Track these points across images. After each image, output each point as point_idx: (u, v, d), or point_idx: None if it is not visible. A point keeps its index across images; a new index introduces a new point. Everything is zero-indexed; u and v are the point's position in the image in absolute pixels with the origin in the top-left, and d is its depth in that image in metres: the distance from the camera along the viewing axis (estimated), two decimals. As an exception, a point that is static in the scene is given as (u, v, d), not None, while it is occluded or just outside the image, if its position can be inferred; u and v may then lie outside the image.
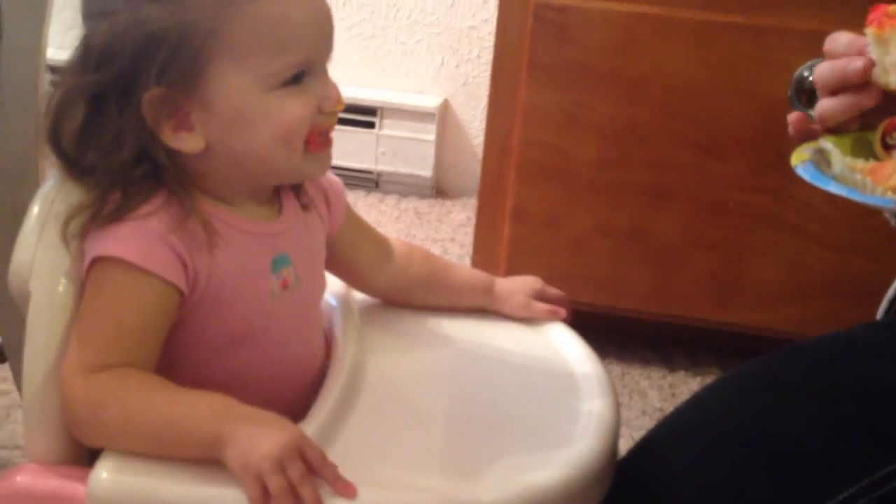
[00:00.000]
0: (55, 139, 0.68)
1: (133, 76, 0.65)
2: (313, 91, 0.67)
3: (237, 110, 0.66)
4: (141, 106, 0.65)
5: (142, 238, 0.65)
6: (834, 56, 0.70)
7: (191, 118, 0.66)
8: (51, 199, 0.69)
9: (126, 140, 0.66)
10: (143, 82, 0.65)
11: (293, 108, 0.66)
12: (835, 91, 0.69)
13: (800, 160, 0.67)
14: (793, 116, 0.72)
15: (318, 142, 0.68)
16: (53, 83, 0.70)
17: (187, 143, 0.67)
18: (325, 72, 0.69)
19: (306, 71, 0.67)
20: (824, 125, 0.70)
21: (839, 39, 0.70)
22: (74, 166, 0.68)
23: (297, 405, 0.72)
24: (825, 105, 0.69)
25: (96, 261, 0.65)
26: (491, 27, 2.15)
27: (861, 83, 0.67)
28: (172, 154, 0.67)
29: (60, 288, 0.67)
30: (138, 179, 0.67)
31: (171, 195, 0.67)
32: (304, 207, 0.76)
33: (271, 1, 0.65)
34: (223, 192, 0.70)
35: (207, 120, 0.66)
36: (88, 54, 0.66)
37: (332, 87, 0.69)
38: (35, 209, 0.70)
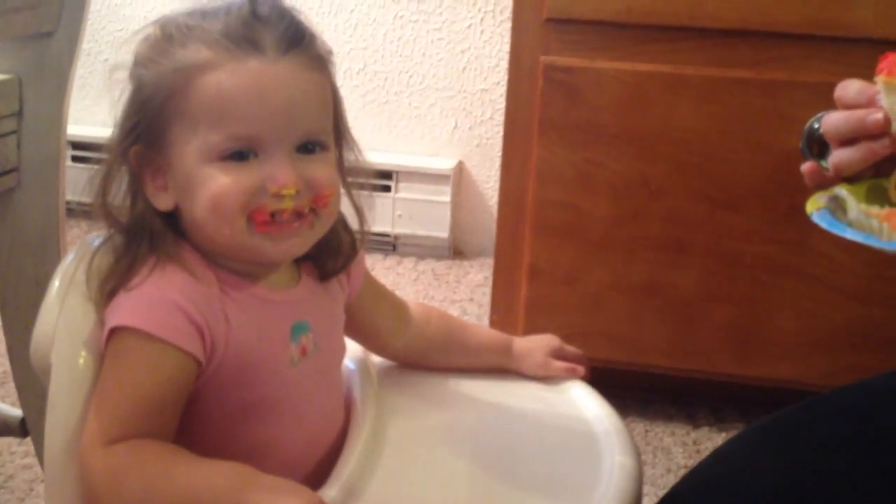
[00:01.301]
0: (104, 201, 0.70)
1: (125, 132, 0.69)
2: (260, 170, 0.66)
3: (185, 176, 0.67)
4: (129, 160, 0.69)
5: (158, 307, 0.65)
6: (844, 103, 0.69)
7: (167, 177, 0.69)
8: (72, 273, 0.70)
9: (129, 197, 0.69)
10: (130, 138, 0.69)
11: (221, 182, 0.66)
12: (848, 141, 0.68)
13: (815, 208, 0.67)
14: (806, 167, 0.72)
15: (265, 222, 0.67)
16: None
17: (161, 201, 0.69)
18: (284, 152, 0.67)
19: (254, 150, 0.66)
20: (839, 174, 0.69)
21: (850, 87, 0.69)
22: (110, 220, 0.70)
23: (318, 470, 0.72)
24: (842, 155, 0.68)
25: (114, 331, 0.66)
26: (502, 89, 2.18)
27: (878, 134, 0.67)
28: (165, 214, 0.69)
29: (81, 360, 0.68)
30: (158, 243, 0.68)
31: (184, 262, 0.68)
32: (323, 276, 0.76)
33: (219, 74, 0.66)
34: (220, 258, 0.70)
35: (173, 181, 0.69)
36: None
37: (284, 170, 0.66)
38: (56, 282, 0.71)
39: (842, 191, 0.68)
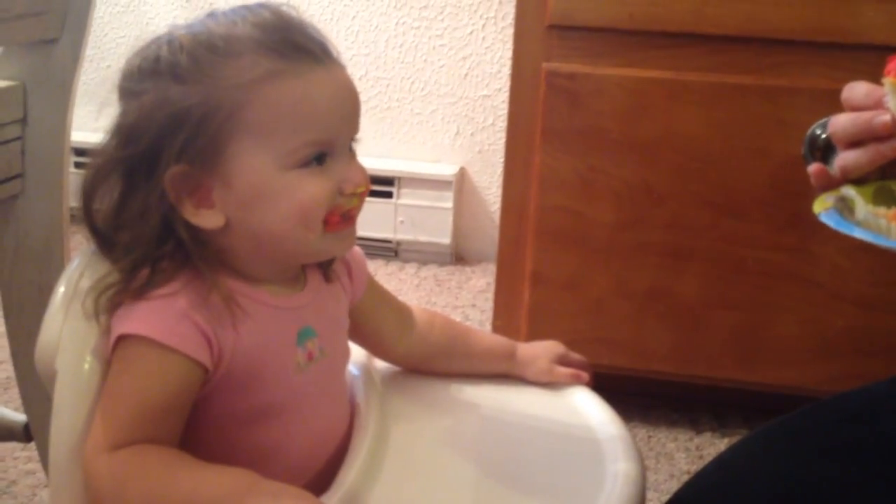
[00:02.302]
0: (87, 215, 0.69)
1: (157, 153, 0.66)
2: (334, 172, 0.67)
3: (255, 188, 0.66)
4: (164, 182, 0.66)
5: (166, 316, 0.65)
6: (852, 105, 0.70)
7: (212, 195, 0.67)
8: (76, 279, 0.70)
9: (151, 216, 0.67)
10: (165, 159, 0.66)
11: (310, 188, 0.66)
12: (855, 143, 0.69)
13: (823, 208, 0.67)
14: (813, 168, 0.72)
15: (337, 222, 0.68)
16: (86, 163, 0.70)
17: (208, 219, 0.67)
18: (348, 153, 0.69)
19: (328, 152, 0.67)
20: (846, 176, 0.70)
21: (857, 89, 0.70)
22: (107, 243, 0.69)
23: (321, 475, 0.72)
24: (848, 157, 0.69)
25: (121, 338, 0.66)
26: (504, 95, 2.19)
27: (885, 135, 0.67)
28: (195, 230, 0.68)
29: (86, 366, 0.68)
30: (166, 256, 0.67)
31: (195, 272, 0.67)
32: (328, 279, 0.76)
33: (292, 82, 0.65)
34: (248, 269, 0.70)
35: (227, 197, 0.67)
36: (119, 132, 0.68)
37: (356, 170, 0.69)
38: (61, 289, 0.70)
39: (850, 191, 0.69)
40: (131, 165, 0.67)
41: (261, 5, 0.68)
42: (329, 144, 0.67)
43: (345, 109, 0.68)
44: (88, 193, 0.68)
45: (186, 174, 0.66)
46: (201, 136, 0.65)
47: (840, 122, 0.70)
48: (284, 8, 0.69)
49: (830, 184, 0.71)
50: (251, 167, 0.66)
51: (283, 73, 0.65)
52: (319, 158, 0.67)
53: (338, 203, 0.68)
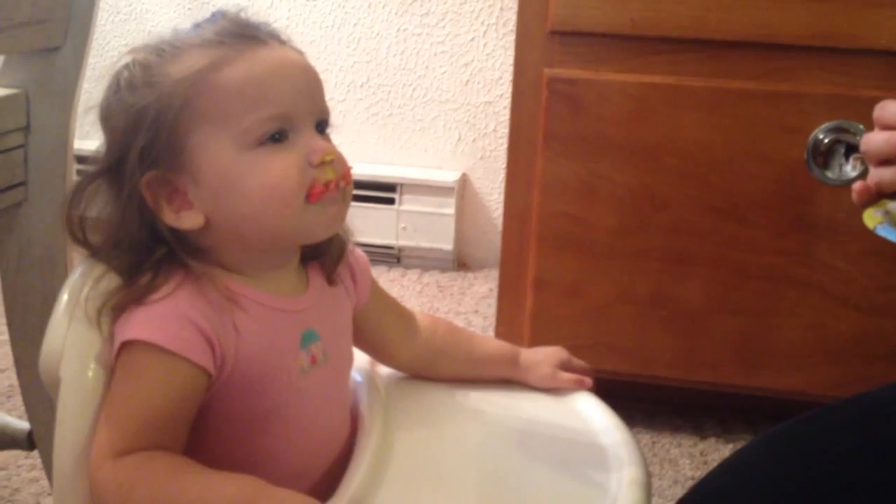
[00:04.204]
0: (69, 225, 0.70)
1: (124, 159, 0.68)
2: (297, 146, 0.68)
3: (221, 175, 0.67)
4: (139, 190, 0.67)
5: (169, 321, 0.66)
6: (883, 124, 0.73)
7: (188, 196, 0.68)
8: (80, 287, 0.70)
9: (134, 224, 0.68)
10: (132, 163, 0.67)
11: (275, 164, 0.67)
12: (888, 160, 0.72)
13: (875, 223, 0.71)
14: (858, 186, 0.75)
15: (320, 192, 0.68)
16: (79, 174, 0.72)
17: (188, 220, 0.68)
18: (312, 130, 0.69)
19: (288, 128, 0.68)
20: (881, 191, 0.73)
21: (889, 108, 0.72)
22: (97, 252, 0.70)
23: (323, 480, 0.72)
24: (883, 174, 0.73)
25: (125, 345, 0.66)
26: (506, 102, 2.19)
27: None
28: (180, 234, 0.69)
29: (90, 374, 0.68)
30: (161, 261, 0.68)
31: (191, 275, 0.68)
32: (331, 282, 0.76)
33: (236, 65, 0.67)
34: (242, 265, 0.71)
35: (200, 193, 0.68)
36: (101, 151, 0.70)
37: (318, 141, 0.69)
38: (65, 296, 0.71)
39: (894, 204, 0.73)
40: (109, 178, 0.69)
41: (219, 13, 0.71)
42: (286, 119, 0.68)
43: (296, 83, 0.69)
44: (71, 207, 0.70)
45: (159, 179, 0.68)
46: (160, 134, 0.67)
47: (873, 142, 0.73)
48: (241, 13, 0.71)
49: (871, 199, 0.74)
50: (213, 156, 0.67)
51: (225, 59, 0.67)
52: (280, 135, 0.67)
53: (313, 176, 0.68)
